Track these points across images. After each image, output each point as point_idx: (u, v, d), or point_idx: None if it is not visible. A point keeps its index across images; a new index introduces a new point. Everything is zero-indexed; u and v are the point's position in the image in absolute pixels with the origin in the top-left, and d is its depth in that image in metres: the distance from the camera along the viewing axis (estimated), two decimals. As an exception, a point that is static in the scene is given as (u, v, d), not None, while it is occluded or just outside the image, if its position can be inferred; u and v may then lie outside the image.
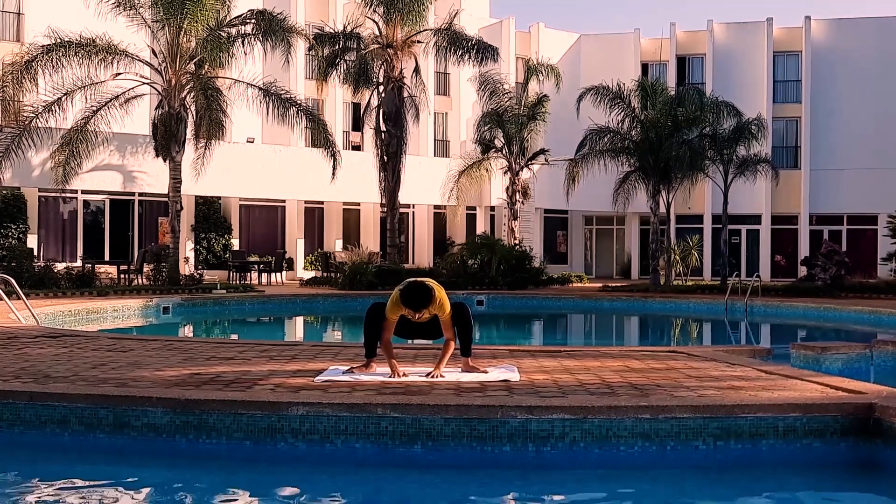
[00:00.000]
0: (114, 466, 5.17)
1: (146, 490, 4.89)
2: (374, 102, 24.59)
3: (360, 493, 4.87)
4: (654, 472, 5.04)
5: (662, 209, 25.04)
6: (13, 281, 12.41)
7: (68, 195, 24.35)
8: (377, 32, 24.28)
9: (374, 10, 24.09)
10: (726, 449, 5.10)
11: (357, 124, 30.30)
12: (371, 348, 6.68)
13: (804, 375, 6.56)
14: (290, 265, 27.80)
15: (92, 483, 4.92)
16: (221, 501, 4.76)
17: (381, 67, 24.39)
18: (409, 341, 7.87)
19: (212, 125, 21.66)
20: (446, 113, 33.57)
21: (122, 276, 21.48)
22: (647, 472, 5.03)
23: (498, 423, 5.07)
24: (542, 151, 27.21)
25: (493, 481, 4.93)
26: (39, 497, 4.67)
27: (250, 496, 4.81)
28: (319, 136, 22.94)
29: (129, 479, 4.99)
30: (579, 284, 26.17)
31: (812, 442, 5.17)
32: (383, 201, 25.28)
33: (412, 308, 6.37)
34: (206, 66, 20.94)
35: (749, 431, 5.13)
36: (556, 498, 4.78)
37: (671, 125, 23.88)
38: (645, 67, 33.91)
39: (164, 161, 21.14)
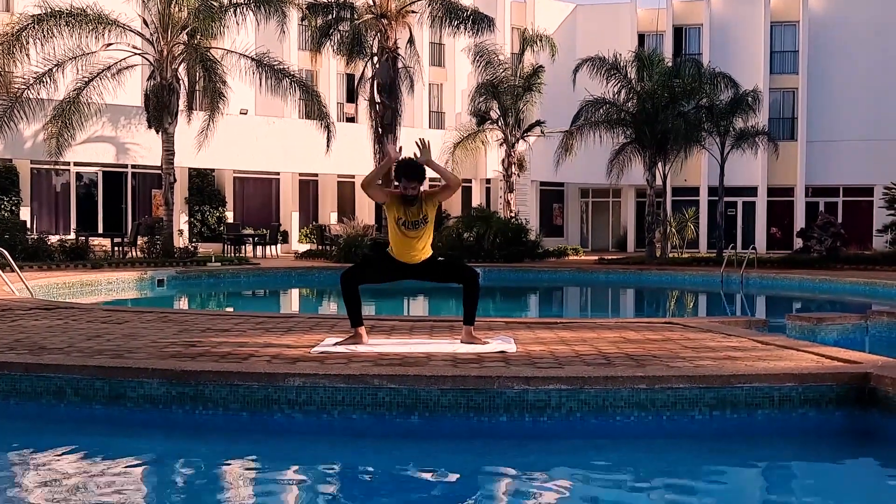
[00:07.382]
0: (110, 437, 5.17)
1: (143, 460, 4.88)
2: (369, 74, 24.40)
3: (356, 463, 4.88)
4: (651, 442, 5.06)
5: (658, 181, 24.99)
6: (6, 253, 12.38)
7: (61, 167, 24.19)
8: (371, 2, 24.02)
9: (369, -20, 23.86)
10: (722, 419, 5.12)
11: (351, 96, 30.11)
12: (355, 315, 6.54)
13: (800, 346, 6.57)
14: (285, 238, 27.75)
15: (88, 454, 4.92)
16: (218, 472, 4.77)
17: (375, 38, 24.15)
18: (406, 313, 7.85)
19: (214, 96, 21.49)
20: (441, 84, 33.36)
21: (115, 248, 21.41)
22: (644, 442, 5.05)
23: (495, 394, 5.07)
24: (538, 123, 27.06)
25: (490, 451, 4.95)
26: (36, 468, 4.67)
27: (247, 467, 4.81)
28: (313, 107, 22.79)
29: (126, 450, 4.98)
30: (575, 257, 26.19)
31: (808, 411, 5.18)
32: (378, 173, 25.15)
33: (406, 175, 6.41)
34: (199, 37, 20.74)
35: (745, 401, 5.13)
36: (553, 467, 4.80)
37: (668, 97, 23.75)
38: (641, 38, 33.67)
39: (157, 133, 21.01)
